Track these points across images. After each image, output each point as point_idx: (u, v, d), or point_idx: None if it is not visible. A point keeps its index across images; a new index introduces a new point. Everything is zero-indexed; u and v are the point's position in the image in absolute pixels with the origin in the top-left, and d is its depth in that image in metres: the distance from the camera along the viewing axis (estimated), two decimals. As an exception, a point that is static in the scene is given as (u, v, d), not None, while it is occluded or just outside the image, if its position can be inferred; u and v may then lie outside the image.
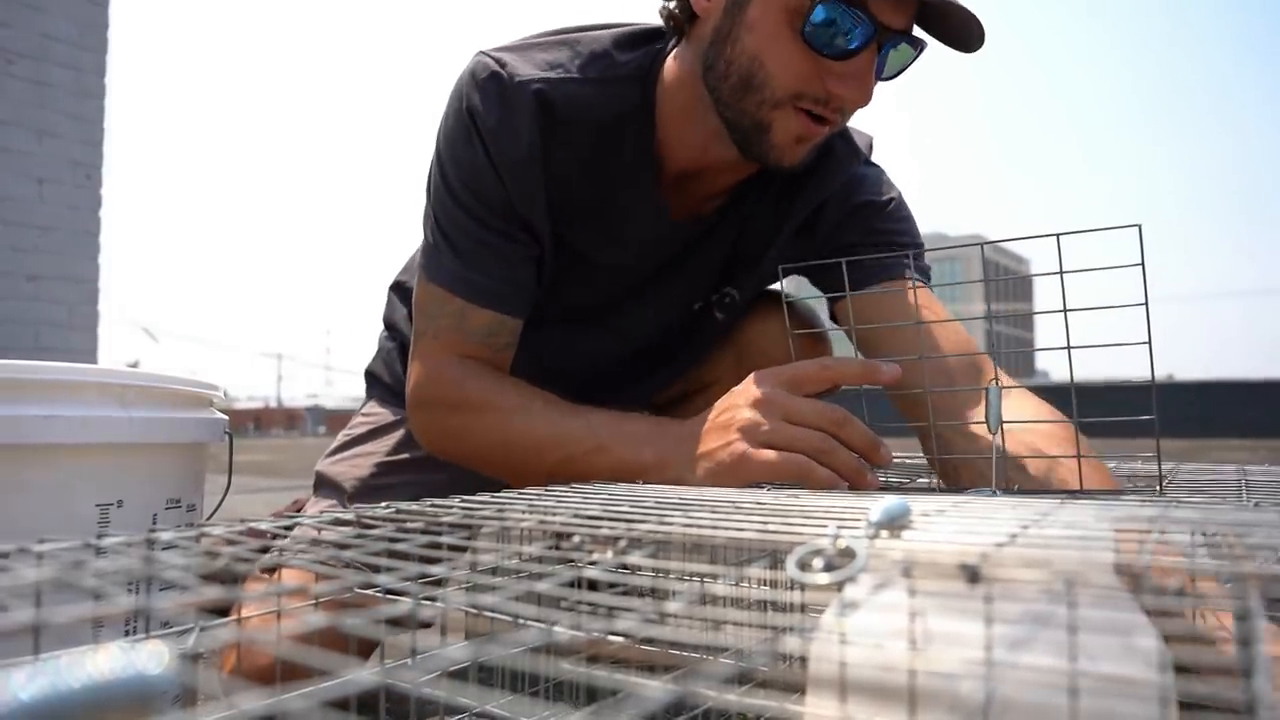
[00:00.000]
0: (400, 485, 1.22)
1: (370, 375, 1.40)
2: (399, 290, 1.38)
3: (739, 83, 0.96)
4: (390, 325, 1.39)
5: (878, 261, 1.10)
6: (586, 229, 1.11)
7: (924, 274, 1.19)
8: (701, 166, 1.08)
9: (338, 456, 1.27)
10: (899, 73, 0.98)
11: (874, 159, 1.22)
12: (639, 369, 1.28)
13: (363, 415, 1.34)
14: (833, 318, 1.21)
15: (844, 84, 0.93)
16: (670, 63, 1.05)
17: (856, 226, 1.16)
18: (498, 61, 1.02)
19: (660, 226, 1.12)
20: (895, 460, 1.12)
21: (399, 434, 1.28)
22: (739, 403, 0.87)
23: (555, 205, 1.07)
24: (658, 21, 1.06)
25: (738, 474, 0.84)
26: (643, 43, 1.08)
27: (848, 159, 1.16)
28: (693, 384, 1.32)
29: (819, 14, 0.90)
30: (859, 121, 1.08)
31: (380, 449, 1.27)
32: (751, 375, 0.89)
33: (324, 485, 1.24)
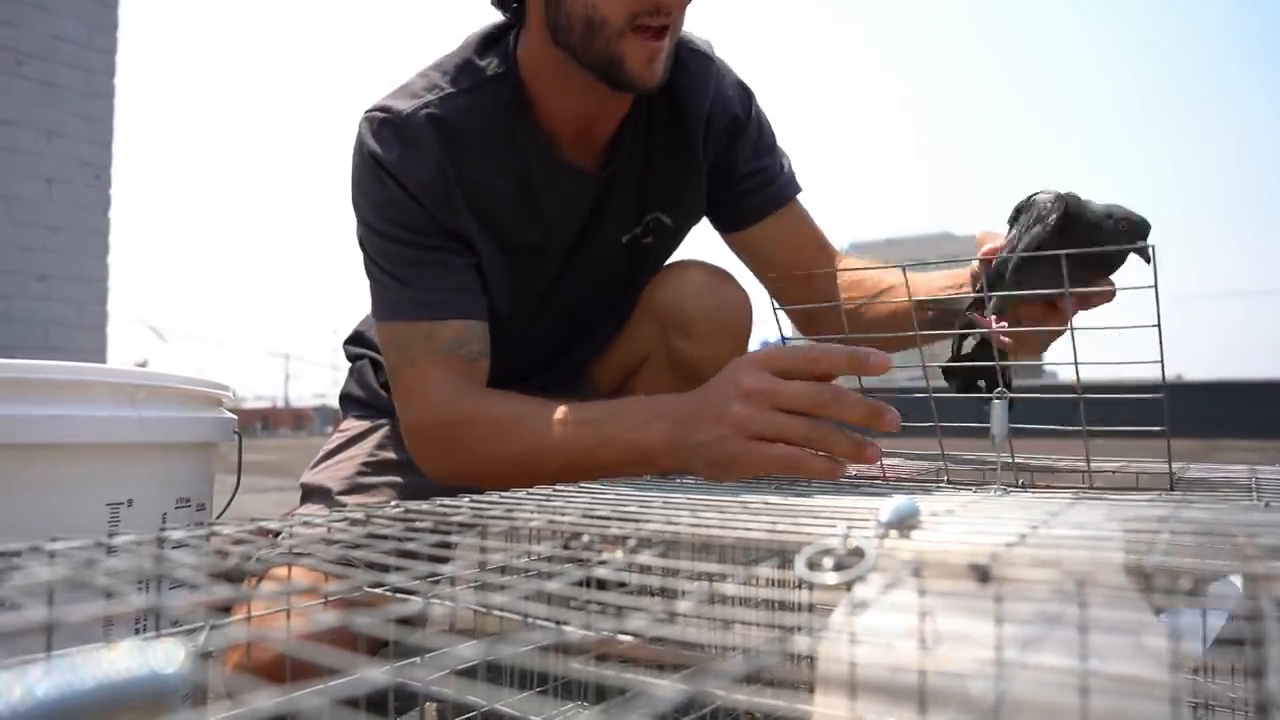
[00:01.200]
0: (384, 485, 1.23)
1: (344, 398, 1.42)
2: (357, 341, 1.43)
3: (583, 29, 1.04)
4: (357, 340, 1.42)
5: (770, 191, 1.28)
6: (519, 221, 1.16)
7: (793, 180, 1.33)
8: (587, 120, 1.16)
9: (320, 467, 1.29)
10: None
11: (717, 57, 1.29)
12: (588, 321, 1.33)
13: (339, 431, 1.36)
14: (733, 248, 1.34)
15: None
16: (524, 47, 1.14)
17: (738, 154, 1.27)
18: (382, 109, 1.11)
19: (574, 184, 1.18)
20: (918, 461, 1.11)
21: (378, 436, 1.30)
22: (730, 394, 0.87)
23: (483, 213, 1.13)
24: (496, 16, 1.16)
25: (733, 471, 0.85)
26: (494, 41, 1.17)
27: (704, 64, 1.23)
28: (627, 360, 1.33)
29: None
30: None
31: (360, 452, 1.28)
32: (737, 362, 0.90)
33: (311, 494, 1.25)
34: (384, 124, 1.09)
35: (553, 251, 1.22)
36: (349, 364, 1.44)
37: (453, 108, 1.11)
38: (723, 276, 1.27)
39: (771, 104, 1.32)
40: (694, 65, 1.22)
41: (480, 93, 1.13)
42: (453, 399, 1.07)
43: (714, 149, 1.24)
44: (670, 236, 1.30)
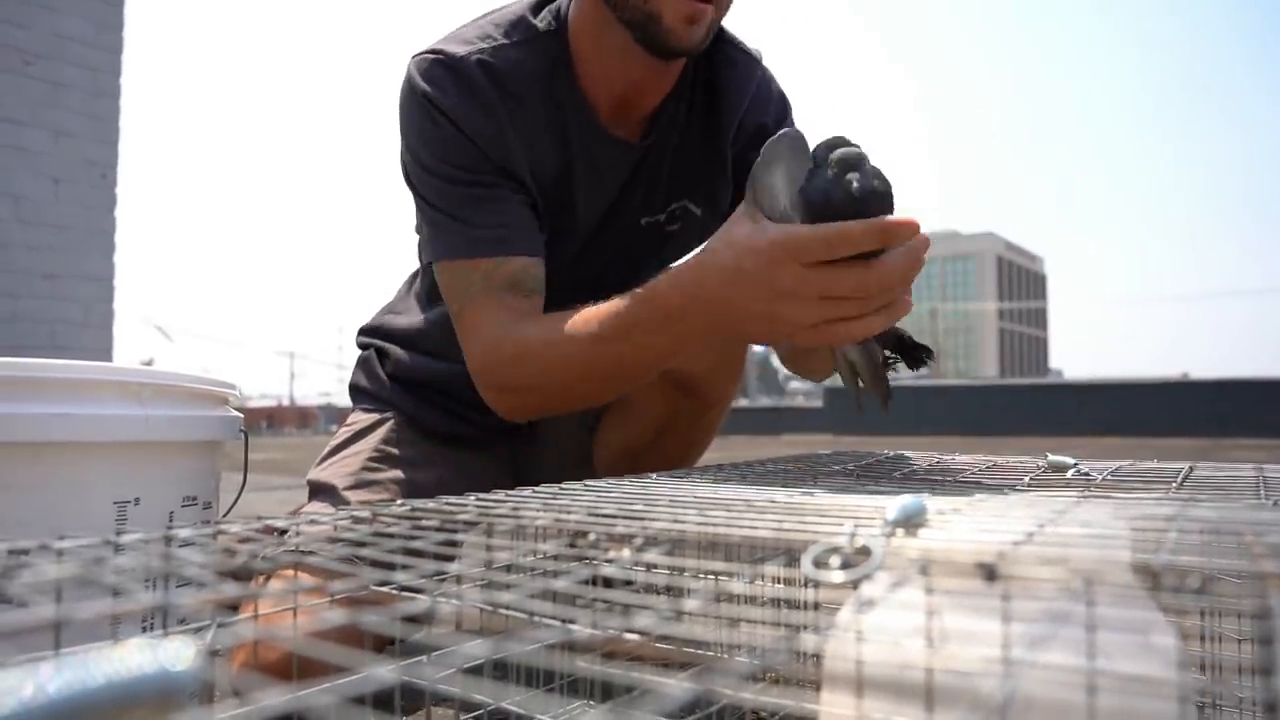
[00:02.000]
0: (389, 480, 1.23)
1: (353, 388, 1.43)
2: (370, 332, 1.43)
3: None
4: (370, 331, 1.42)
5: None
6: (553, 183, 1.17)
7: None
8: (626, 87, 1.16)
9: (326, 464, 1.29)
10: None
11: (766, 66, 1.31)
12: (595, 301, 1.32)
13: (345, 425, 1.37)
14: None
15: None
16: (575, 8, 1.15)
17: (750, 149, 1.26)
18: (433, 52, 1.12)
19: (608, 153, 1.19)
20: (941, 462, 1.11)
21: (383, 430, 1.30)
22: (771, 296, 0.85)
23: (531, 164, 1.14)
24: None
25: (815, 345, 0.92)
26: (546, 3, 1.18)
27: (750, 65, 1.25)
28: None
29: None
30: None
31: (366, 447, 1.28)
32: (758, 258, 0.85)
33: (317, 492, 1.26)
34: (436, 64, 1.11)
35: (576, 222, 1.22)
36: (360, 350, 1.44)
37: (504, 58, 1.13)
38: None
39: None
40: (741, 64, 1.25)
41: (531, 47, 1.15)
42: (514, 332, 1.08)
43: (737, 148, 1.25)
44: (699, 228, 1.29)
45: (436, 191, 1.12)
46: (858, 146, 0.82)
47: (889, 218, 0.79)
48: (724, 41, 1.25)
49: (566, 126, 1.17)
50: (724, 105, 1.23)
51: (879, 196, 0.79)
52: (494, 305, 1.09)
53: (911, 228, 0.79)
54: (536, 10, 1.18)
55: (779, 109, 1.27)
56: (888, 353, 1.01)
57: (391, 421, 1.31)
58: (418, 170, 1.13)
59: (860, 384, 1.03)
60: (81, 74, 3.98)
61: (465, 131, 1.10)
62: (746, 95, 1.24)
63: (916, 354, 1.00)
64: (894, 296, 0.84)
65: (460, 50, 1.12)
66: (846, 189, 0.79)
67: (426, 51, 1.13)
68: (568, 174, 1.19)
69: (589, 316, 1.02)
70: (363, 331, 1.45)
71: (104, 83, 4.06)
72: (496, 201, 1.12)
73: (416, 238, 1.25)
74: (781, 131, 0.88)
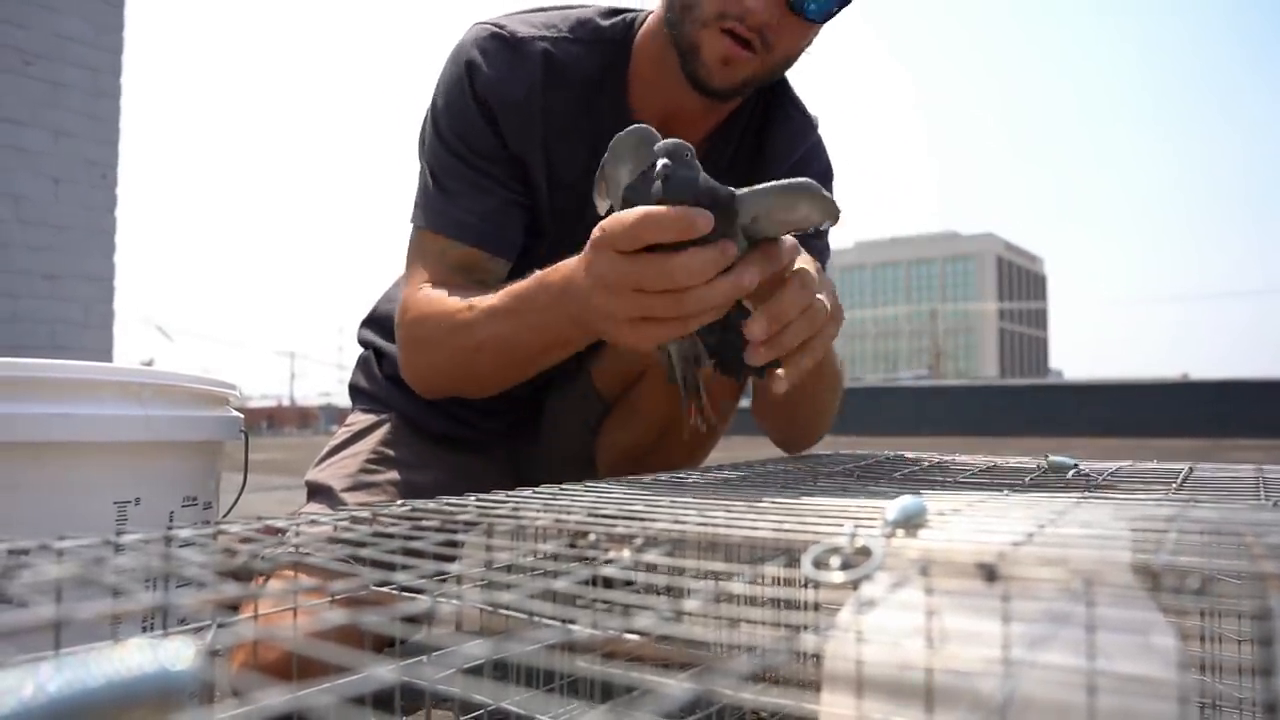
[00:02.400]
0: (386, 482, 1.23)
1: (352, 388, 1.43)
2: (370, 324, 1.44)
3: (681, 7, 1.07)
4: (370, 324, 1.43)
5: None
6: (577, 183, 1.17)
7: (823, 248, 1.26)
8: (671, 114, 1.16)
9: (324, 464, 1.29)
10: (824, 12, 1.06)
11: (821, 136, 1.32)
12: None
13: (344, 426, 1.37)
14: None
15: (754, 2, 1.02)
16: (644, 24, 1.17)
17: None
18: (496, 24, 1.14)
19: None
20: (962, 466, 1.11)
21: (381, 432, 1.30)
22: (588, 284, 0.85)
23: (551, 160, 1.15)
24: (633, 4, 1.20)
25: (634, 347, 0.88)
26: (619, 13, 1.20)
27: (805, 129, 1.27)
28: (628, 370, 1.32)
29: None
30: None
31: (364, 449, 1.28)
32: (592, 242, 0.84)
33: (315, 493, 1.26)
34: (494, 37, 1.13)
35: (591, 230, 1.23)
36: (361, 348, 1.44)
37: (563, 50, 1.14)
38: None
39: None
40: (796, 123, 1.26)
41: (591, 48, 1.16)
42: (424, 295, 1.09)
43: None
44: None
45: (438, 159, 1.14)
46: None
47: (693, 209, 0.77)
48: (785, 98, 1.26)
49: (603, 134, 1.18)
50: (769, 155, 1.24)
51: (689, 186, 0.78)
52: (434, 272, 1.11)
53: (705, 221, 0.77)
54: (608, 14, 1.20)
55: (820, 174, 1.26)
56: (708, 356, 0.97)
57: (389, 423, 1.31)
58: (432, 132, 1.15)
59: (682, 388, 1.01)
60: (81, 74, 3.98)
61: (490, 107, 1.11)
62: (795, 152, 1.24)
63: (734, 365, 0.93)
64: (705, 306, 0.80)
65: (522, 30, 1.14)
66: (659, 178, 0.78)
67: (489, 22, 1.15)
68: (590, 180, 1.19)
69: (497, 293, 1.03)
70: (365, 324, 1.44)
71: (104, 83, 4.06)
72: (484, 192, 1.13)
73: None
74: (632, 126, 0.89)
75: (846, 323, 1.27)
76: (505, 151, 1.13)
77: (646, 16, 1.18)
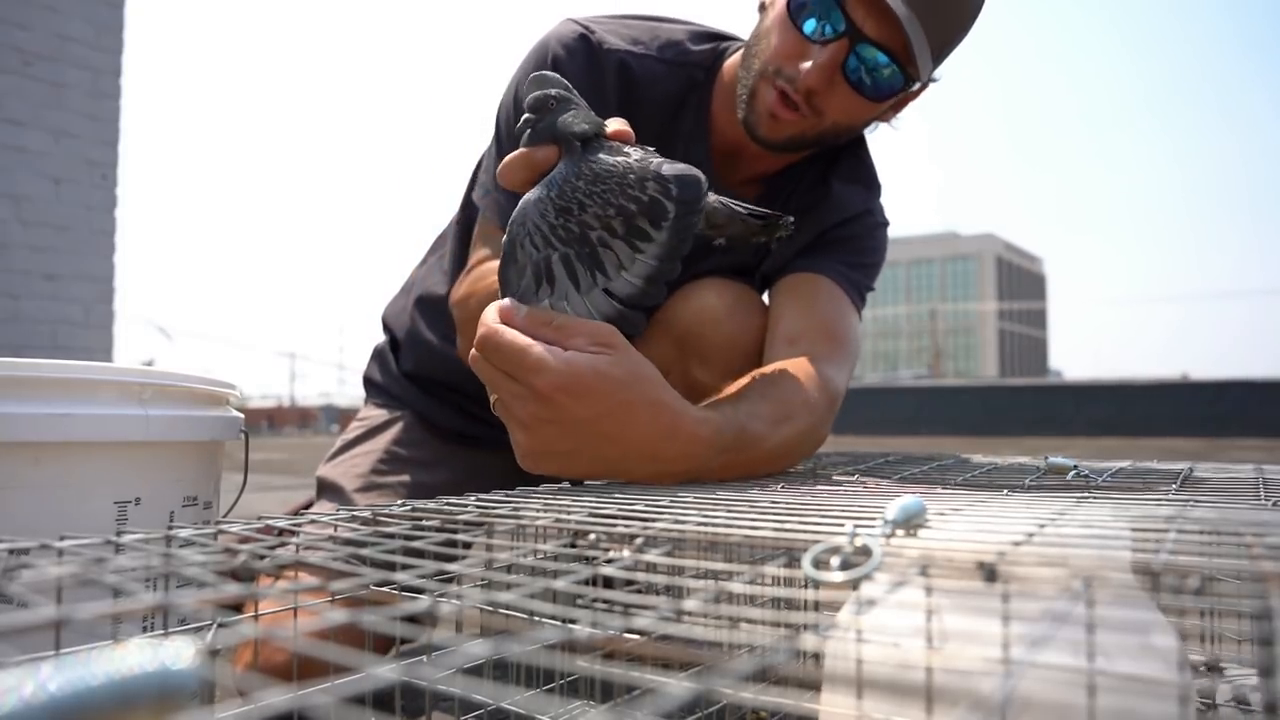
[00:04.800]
0: (398, 484, 1.23)
1: (366, 381, 1.43)
2: (391, 316, 1.43)
3: (749, 51, 1.11)
4: (392, 315, 1.42)
5: (813, 259, 1.23)
6: None
7: (860, 291, 1.26)
8: (744, 144, 1.17)
9: (336, 460, 1.29)
10: (881, 92, 1.07)
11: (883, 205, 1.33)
12: None
13: (358, 420, 1.37)
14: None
15: (809, 68, 1.04)
16: (734, 56, 1.19)
17: (832, 244, 1.26)
18: (586, 27, 1.15)
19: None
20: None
21: (395, 430, 1.30)
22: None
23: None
24: (729, 29, 1.23)
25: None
26: (713, 40, 1.22)
27: (869, 191, 1.29)
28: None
29: None
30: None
31: (376, 447, 1.28)
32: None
33: (325, 489, 1.25)
34: (580, 38, 1.14)
35: None
36: (384, 335, 1.43)
37: (645, 68, 1.15)
38: (744, 300, 1.24)
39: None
40: (862, 182, 1.28)
41: (675, 69, 1.18)
42: (479, 268, 1.08)
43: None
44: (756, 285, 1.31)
45: (505, 133, 1.14)
46: None
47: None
48: (857, 157, 1.27)
49: (674, 154, 1.18)
50: (832, 205, 1.25)
51: (546, 132, 0.82)
52: (488, 258, 1.09)
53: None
54: (700, 39, 1.21)
55: (871, 252, 1.29)
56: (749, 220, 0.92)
57: (403, 421, 1.30)
58: (506, 119, 1.14)
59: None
60: (82, 75, 3.98)
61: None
62: (857, 208, 1.27)
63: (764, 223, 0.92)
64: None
65: (609, 40, 1.15)
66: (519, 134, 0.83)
67: (579, 21, 1.16)
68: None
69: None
70: (387, 312, 1.43)
71: (104, 84, 4.06)
72: None
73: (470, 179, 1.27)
74: (540, 72, 0.89)
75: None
76: None
77: (739, 48, 1.19)
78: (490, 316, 0.77)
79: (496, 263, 0.93)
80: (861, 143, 1.29)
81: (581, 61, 1.13)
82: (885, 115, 1.19)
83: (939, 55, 1.07)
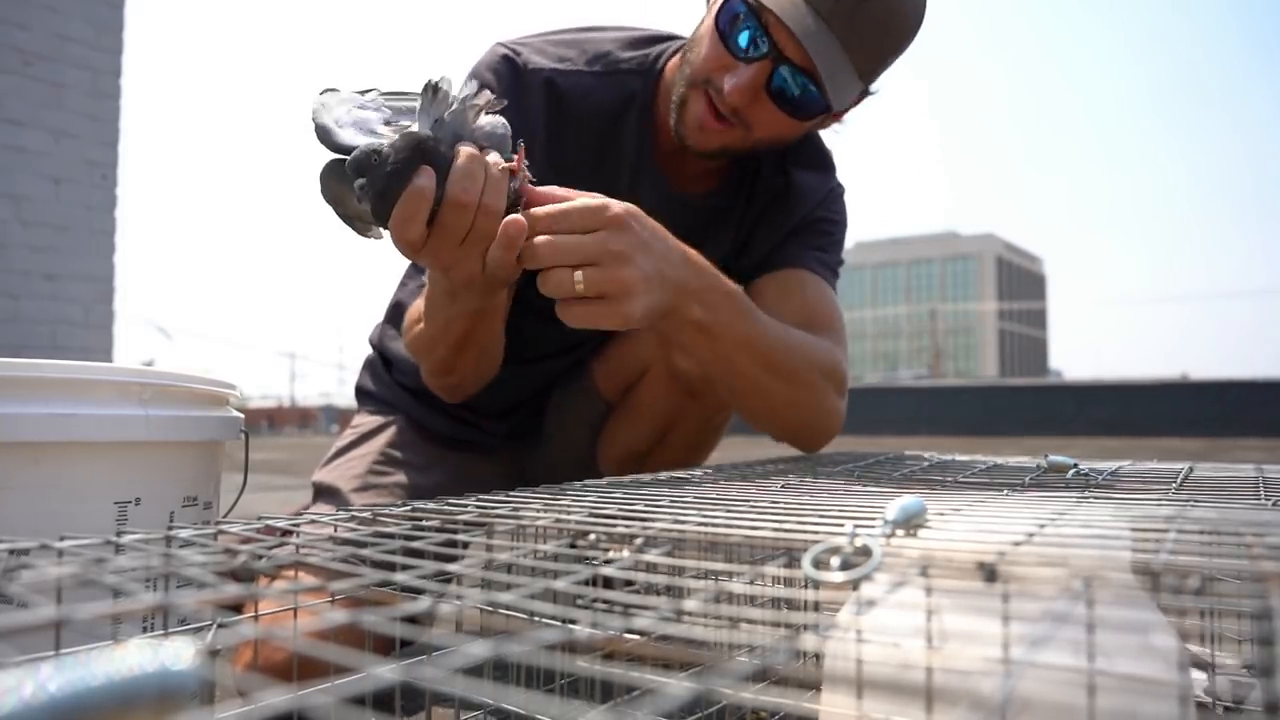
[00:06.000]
0: (394, 485, 1.23)
1: (359, 391, 1.43)
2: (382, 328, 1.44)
3: (684, 56, 1.11)
4: (382, 327, 1.42)
5: (784, 253, 1.25)
6: None
7: (835, 270, 1.31)
8: (682, 146, 1.17)
9: (331, 465, 1.29)
10: (806, 112, 1.07)
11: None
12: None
13: (351, 428, 1.37)
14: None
15: (733, 83, 1.03)
16: (673, 58, 1.19)
17: (800, 233, 1.29)
18: (513, 50, 1.16)
19: (661, 196, 1.20)
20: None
21: (389, 433, 1.30)
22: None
23: (557, 179, 1.14)
24: (666, 28, 1.22)
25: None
26: (648, 44, 1.21)
27: (825, 173, 1.31)
28: (629, 369, 1.33)
29: (729, 7, 1.03)
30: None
31: (371, 451, 1.29)
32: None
33: (322, 493, 1.26)
34: (504, 60, 1.15)
35: None
36: (371, 349, 1.44)
37: (573, 83, 1.16)
38: None
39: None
40: (818, 160, 1.30)
41: (607, 80, 1.18)
42: (412, 309, 1.15)
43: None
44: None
45: None
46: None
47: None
48: (808, 139, 1.28)
49: (621, 162, 1.19)
50: (795, 197, 1.26)
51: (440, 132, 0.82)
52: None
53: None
54: (632, 45, 1.20)
55: (833, 224, 1.31)
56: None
57: (396, 425, 1.31)
58: None
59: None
60: (82, 75, 3.98)
61: None
62: (817, 195, 1.28)
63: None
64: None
65: (534, 60, 1.15)
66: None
67: (508, 44, 1.17)
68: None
69: None
70: (379, 326, 1.44)
71: (104, 84, 4.07)
72: None
73: None
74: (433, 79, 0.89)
75: (848, 322, 1.27)
76: None
77: (680, 46, 1.19)
78: (519, 217, 0.83)
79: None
80: None
81: (504, 84, 1.13)
82: (825, 124, 1.19)
83: (869, 74, 1.07)
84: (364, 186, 0.79)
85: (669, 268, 0.90)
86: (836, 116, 1.18)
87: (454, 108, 0.85)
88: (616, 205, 0.86)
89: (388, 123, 0.86)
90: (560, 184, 1.12)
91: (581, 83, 1.16)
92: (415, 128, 0.83)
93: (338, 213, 0.86)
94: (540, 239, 0.84)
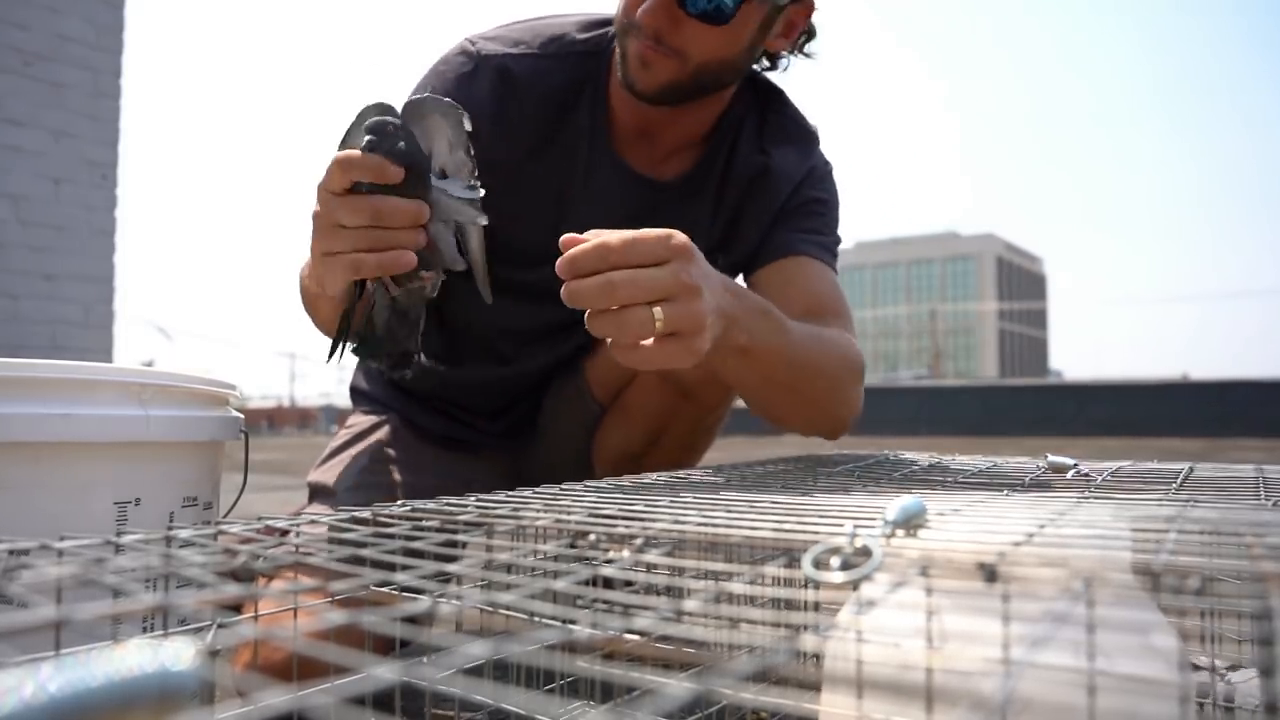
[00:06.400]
0: (388, 483, 1.23)
1: (353, 390, 1.44)
2: None
3: (616, 18, 1.11)
4: None
5: (778, 240, 1.23)
6: (562, 201, 1.20)
7: (832, 251, 1.28)
8: (647, 121, 1.18)
9: (325, 465, 1.29)
10: (724, 13, 1.04)
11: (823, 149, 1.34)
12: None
13: (345, 428, 1.38)
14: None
15: (644, 8, 1.04)
16: None
17: (790, 216, 1.26)
18: (470, 41, 1.19)
19: (623, 178, 1.21)
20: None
21: (382, 432, 1.30)
22: (311, 223, 0.96)
23: (524, 178, 1.19)
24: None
25: (329, 285, 1.00)
26: (604, 25, 1.21)
27: (806, 147, 1.29)
28: (622, 370, 1.31)
29: None
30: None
31: (364, 450, 1.29)
32: None
33: (316, 494, 1.26)
34: (461, 53, 1.18)
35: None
36: None
37: (526, 67, 1.17)
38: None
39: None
40: (796, 137, 1.28)
41: (561, 62, 1.18)
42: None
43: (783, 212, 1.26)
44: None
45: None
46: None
47: (384, 160, 0.90)
48: (784, 114, 1.27)
49: (577, 143, 1.19)
50: (777, 174, 1.24)
51: (390, 150, 0.91)
52: None
53: (396, 171, 0.90)
54: (589, 27, 1.20)
55: (822, 204, 1.28)
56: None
57: (389, 425, 1.31)
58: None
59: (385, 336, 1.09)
60: (82, 75, 3.97)
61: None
62: (799, 171, 1.26)
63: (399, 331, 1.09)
64: (393, 244, 0.91)
65: (489, 48, 1.17)
66: (364, 146, 0.91)
67: (470, 37, 1.19)
68: (567, 191, 1.20)
69: None
70: None
71: (104, 84, 4.06)
72: None
73: None
74: (374, 102, 0.98)
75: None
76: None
77: None
78: (584, 244, 0.82)
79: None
80: (779, 97, 1.28)
81: (456, 76, 1.16)
82: (774, 44, 1.17)
83: None
84: (370, 142, 0.90)
85: (720, 297, 0.88)
86: (788, 29, 1.16)
87: (451, 158, 0.99)
88: (679, 234, 0.83)
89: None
90: (512, 170, 1.16)
91: (535, 66, 1.17)
92: (440, 150, 0.99)
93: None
94: (620, 274, 0.79)
